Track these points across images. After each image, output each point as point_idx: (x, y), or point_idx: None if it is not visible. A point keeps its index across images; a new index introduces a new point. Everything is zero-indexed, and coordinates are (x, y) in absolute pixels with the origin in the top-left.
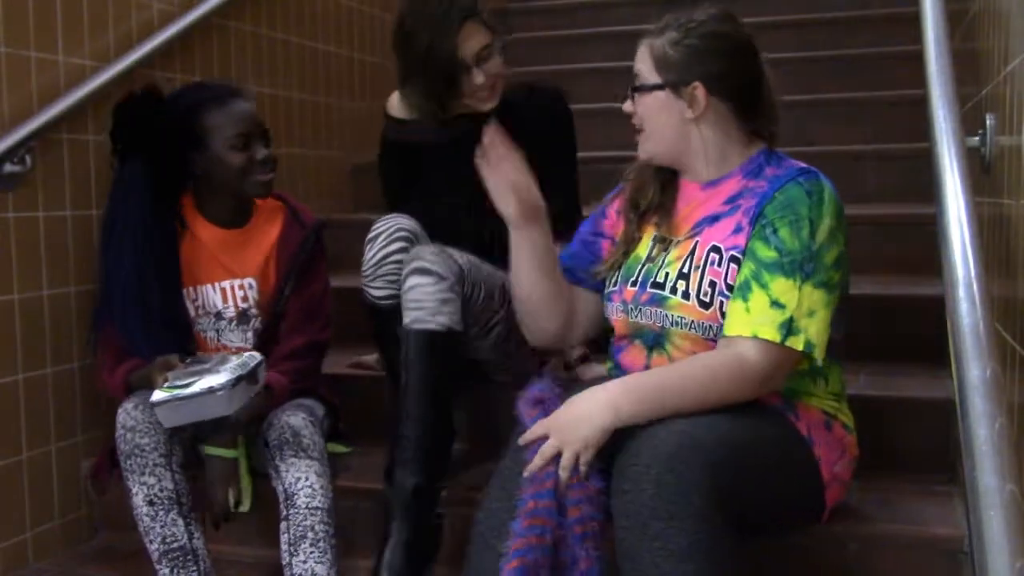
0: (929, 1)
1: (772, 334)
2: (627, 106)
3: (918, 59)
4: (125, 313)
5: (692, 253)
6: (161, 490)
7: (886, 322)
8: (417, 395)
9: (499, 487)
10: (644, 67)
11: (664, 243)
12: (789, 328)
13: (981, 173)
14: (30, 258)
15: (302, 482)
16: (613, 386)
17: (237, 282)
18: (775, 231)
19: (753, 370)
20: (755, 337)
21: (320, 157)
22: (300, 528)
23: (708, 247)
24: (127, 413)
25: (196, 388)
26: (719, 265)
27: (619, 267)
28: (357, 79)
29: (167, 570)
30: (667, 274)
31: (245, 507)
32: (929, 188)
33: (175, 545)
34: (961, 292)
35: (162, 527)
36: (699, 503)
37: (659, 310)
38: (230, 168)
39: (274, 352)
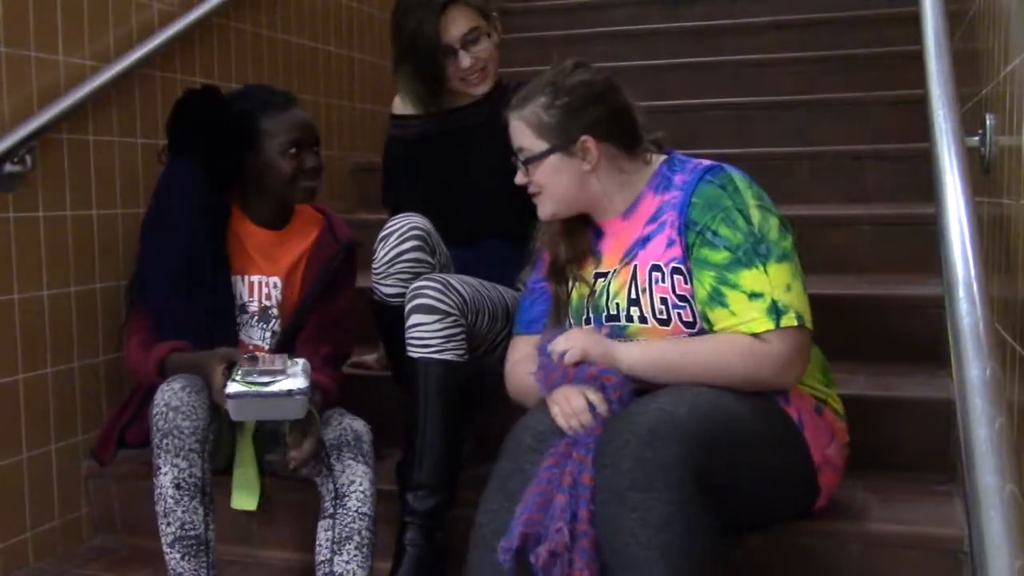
0: (929, 1)
1: (765, 323)
2: (520, 177)
3: (918, 59)
4: (173, 298)
5: (634, 278)
6: (191, 475)
7: (886, 322)
8: (433, 424)
9: (499, 488)
10: (526, 140)
11: (602, 277)
12: (777, 310)
13: (981, 173)
14: (30, 258)
15: (356, 486)
16: (628, 343)
17: (264, 279)
18: (715, 233)
19: (771, 352)
20: (752, 334)
21: None
22: (347, 529)
23: (648, 268)
24: (173, 393)
25: (275, 388)
26: (663, 281)
27: (567, 313)
28: (357, 79)
29: (178, 555)
30: (617, 304)
31: (252, 506)
32: (929, 188)
33: (192, 533)
34: (961, 292)
35: (183, 512)
36: (676, 476)
37: (621, 339)
38: (279, 173)
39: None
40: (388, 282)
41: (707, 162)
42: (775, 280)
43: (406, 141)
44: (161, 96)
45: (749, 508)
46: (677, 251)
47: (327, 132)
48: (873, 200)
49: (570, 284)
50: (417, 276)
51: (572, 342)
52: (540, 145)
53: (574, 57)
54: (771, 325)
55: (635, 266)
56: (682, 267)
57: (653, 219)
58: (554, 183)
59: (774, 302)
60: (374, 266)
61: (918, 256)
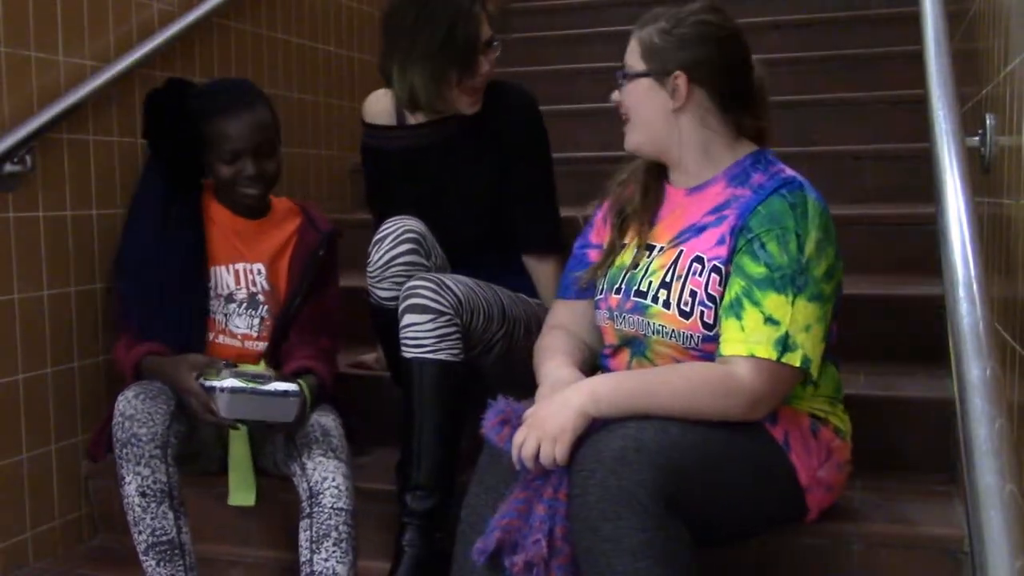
0: (929, 1)
1: (768, 352)
2: (615, 95)
3: (918, 59)
4: (143, 292)
5: (675, 262)
6: (155, 482)
7: (886, 322)
8: (429, 424)
9: (477, 482)
10: (632, 57)
11: (648, 250)
12: (785, 344)
13: (981, 173)
14: (30, 258)
15: (328, 482)
16: (594, 377)
17: (248, 266)
18: (763, 246)
19: (741, 388)
20: (752, 356)
21: (319, 157)
22: (324, 527)
23: (692, 257)
24: (127, 402)
25: (271, 388)
26: (700, 275)
27: (604, 275)
28: (357, 79)
29: (153, 562)
30: (650, 283)
31: (251, 502)
32: (929, 188)
33: (164, 538)
34: (961, 292)
35: (152, 519)
36: (645, 503)
37: (641, 318)
38: (219, 178)
39: (301, 351)
40: (383, 286)
41: (791, 172)
42: (798, 315)
43: (386, 152)
44: None
45: (725, 526)
46: (723, 251)
47: (327, 132)
48: (873, 200)
49: (623, 242)
50: (412, 279)
51: (525, 435)
52: (639, 65)
53: (719, 4)
54: (773, 355)
55: (681, 251)
56: (722, 268)
57: (716, 210)
58: (639, 108)
59: (787, 335)
60: (369, 270)
61: (918, 256)
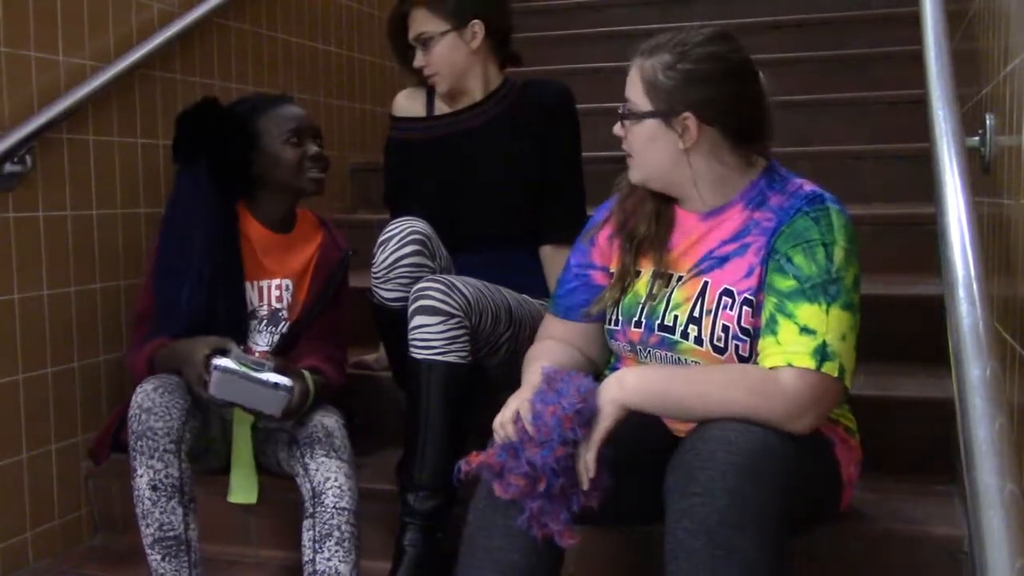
0: (929, 1)
1: (807, 361)
2: (617, 129)
3: (918, 59)
4: (193, 312)
5: (703, 296)
6: (166, 476)
7: (886, 322)
8: (435, 425)
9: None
10: (634, 92)
11: (664, 279)
12: (823, 354)
13: (981, 173)
14: (30, 258)
15: (331, 482)
16: (621, 370)
17: (275, 282)
18: (789, 260)
19: (782, 392)
20: (790, 366)
21: None
22: (326, 527)
23: (720, 290)
24: (145, 394)
25: (264, 376)
26: (731, 309)
27: (616, 303)
28: (357, 79)
29: (158, 556)
30: (676, 317)
31: (252, 499)
32: (929, 188)
33: (171, 534)
34: (961, 292)
35: (161, 513)
36: (769, 514)
37: (670, 353)
38: (285, 164)
39: (311, 355)
40: (388, 287)
41: (809, 187)
42: (833, 324)
43: (407, 144)
44: (161, 96)
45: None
46: (753, 281)
47: (327, 132)
48: (873, 200)
49: (638, 269)
50: (417, 280)
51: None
52: (644, 104)
53: (719, 25)
54: (812, 365)
55: (706, 283)
56: (753, 299)
57: (736, 237)
58: (645, 149)
59: (824, 344)
60: (374, 270)
61: (918, 256)
